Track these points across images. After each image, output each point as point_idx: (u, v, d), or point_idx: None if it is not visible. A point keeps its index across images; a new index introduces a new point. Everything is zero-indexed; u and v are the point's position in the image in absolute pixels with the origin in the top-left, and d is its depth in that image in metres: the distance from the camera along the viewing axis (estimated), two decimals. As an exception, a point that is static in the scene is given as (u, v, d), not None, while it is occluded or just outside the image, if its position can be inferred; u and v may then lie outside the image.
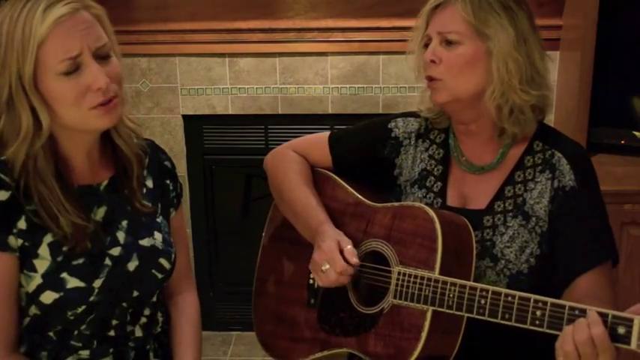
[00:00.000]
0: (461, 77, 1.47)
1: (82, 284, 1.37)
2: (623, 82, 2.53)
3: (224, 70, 2.86)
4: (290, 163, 1.70)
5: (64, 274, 1.36)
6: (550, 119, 2.78)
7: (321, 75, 2.85)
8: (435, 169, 1.61)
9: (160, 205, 1.53)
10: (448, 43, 1.47)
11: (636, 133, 2.55)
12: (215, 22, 2.79)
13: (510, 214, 1.51)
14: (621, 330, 1.20)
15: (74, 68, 1.30)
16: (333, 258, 1.47)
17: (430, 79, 1.51)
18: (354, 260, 1.47)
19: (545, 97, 1.51)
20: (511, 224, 1.50)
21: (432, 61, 1.49)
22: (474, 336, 1.43)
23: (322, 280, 1.50)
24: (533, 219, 1.49)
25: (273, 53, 2.83)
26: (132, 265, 1.44)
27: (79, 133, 1.39)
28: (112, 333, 1.45)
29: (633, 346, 1.19)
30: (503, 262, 1.49)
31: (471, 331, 1.42)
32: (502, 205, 1.52)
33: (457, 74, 1.47)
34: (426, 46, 1.52)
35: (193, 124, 2.97)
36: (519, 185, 1.52)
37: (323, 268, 1.48)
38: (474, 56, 1.46)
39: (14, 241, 1.35)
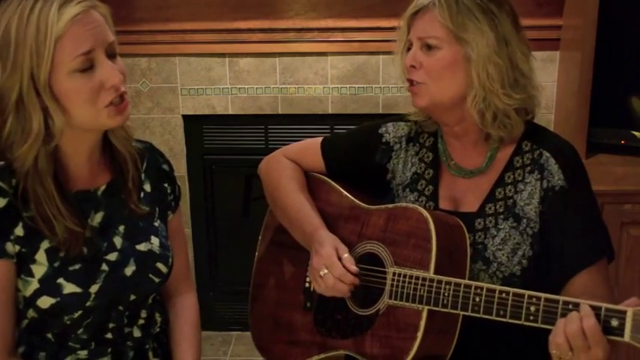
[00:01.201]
0: (441, 82, 1.47)
1: (78, 290, 1.37)
2: (623, 82, 2.53)
3: (224, 70, 2.86)
4: (283, 170, 1.70)
5: (61, 280, 1.36)
6: (550, 119, 2.78)
7: (321, 75, 2.85)
8: (426, 172, 1.61)
9: (157, 209, 1.53)
10: (428, 47, 1.47)
11: (636, 133, 2.55)
12: (215, 22, 2.79)
13: (501, 216, 1.50)
14: (614, 322, 1.21)
15: (88, 65, 1.30)
16: (331, 263, 1.47)
17: (411, 82, 1.51)
18: (353, 267, 1.47)
19: (532, 98, 1.50)
20: (502, 226, 1.50)
21: (412, 66, 1.49)
22: (470, 336, 1.43)
23: (320, 285, 1.50)
24: (524, 220, 1.49)
25: (273, 53, 2.83)
26: (129, 270, 1.43)
27: (84, 134, 1.39)
28: (109, 335, 1.45)
29: (626, 338, 1.20)
30: (495, 264, 1.49)
31: (467, 330, 1.42)
32: (493, 208, 1.52)
33: (437, 78, 1.47)
34: (409, 50, 1.52)
35: (193, 124, 2.97)
36: (509, 187, 1.51)
37: (321, 273, 1.48)
38: (453, 61, 1.46)
39: (11, 248, 1.35)
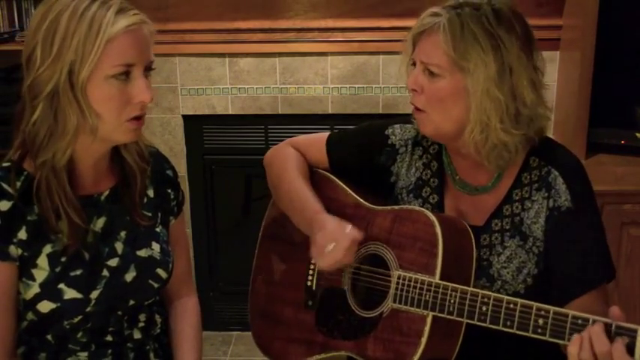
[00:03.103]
0: (442, 111, 1.44)
1: (79, 295, 1.37)
2: (623, 82, 2.53)
3: (224, 70, 2.86)
4: (288, 157, 1.68)
5: (62, 285, 1.36)
6: (550, 119, 2.78)
7: (321, 75, 2.84)
8: (431, 180, 1.59)
9: (159, 215, 1.53)
10: (431, 73, 1.43)
11: (636, 134, 2.55)
12: (215, 22, 2.79)
13: (508, 233, 1.49)
14: (626, 340, 1.20)
15: (125, 76, 1.30)
16: (338, 237, 1.44)
17: (414, 106, 1.49)
18: (359, 235, 1.45)
19: (538, 123, 1.45)
20: (508, 244, 1.48)
21: (414, 90, 1.46)
22: (473, 340, 1.43)
23: (326, 260, 1.46)
24: (531, 239, 1.47)
25: (273, 53, 2.83)
26: (129, 276, 1.43)
27: (95, 144, 1.38)
28: (109, 338, 1.45)
29: (637, 357, 1.19)
30: (499, 282, 1.48)
31: (471, 335, 1.42)
32: (499, 224, 1.50)
33: (438, 107, 1.44)
34: (414, 64, 1.48)
35: (193, 124, 2.97)
36: (517, 204, 1.49)
37: (328, 247, 1.44)
38: (454, 91, 1.41)
39: (14, 251, 1.35)
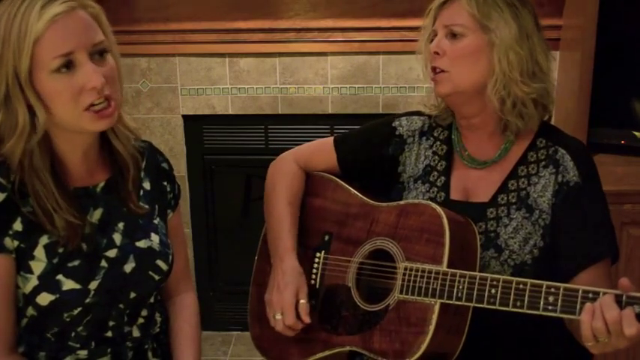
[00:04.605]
0: (464, 69, 1.50)
1: (77, 286, 1.37)
2: (623, 82, 2.53)
3: (224, 70, 2.87)
4: (284, 176, 1.71)
5: (60, 276, 1.36)
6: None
7: (321, 75, 2.85)
8: (439, 164, 1.62)
9: (156, 207, 1.53)
10: (453, 36, 1.51)
11: (636, 133, 2.55)
12: (215, 22, 2.80)
13: (514, 206, 1.52)
14: (637, 309, 1.22)
15: (68, 67, 1.30)
16: (287, 312, 1.53)
17: (435, 70, 1.54)
18: (306, 319, 1.54)
19: (548, 93, 1.53)
20: (515, 216, 1.52)
21: (436, 53, 1.52)
22: (476, 337, 1.43)
23: (272, 323, 1.57)
24: (537, 212, 1.51)
25: (273, 53, 2.83)
26: (128, 267, 1.43)
27: (76, 134, 1.38)
28: (109, 334, 1.45)
29: None
30: (507, 252, 1.50)
31: (474, 331, 1.42)
32: (505, 198, 1.53)
33: (460, 66, 1.50)
34: (432, 41, 1.55)
35: (193, 124, 2.97)
36: (523, 179, 1.53)
37: (276, 316, 1.55)
38: (477, 48, 1.49)
39: (10, 243, 1.35)
